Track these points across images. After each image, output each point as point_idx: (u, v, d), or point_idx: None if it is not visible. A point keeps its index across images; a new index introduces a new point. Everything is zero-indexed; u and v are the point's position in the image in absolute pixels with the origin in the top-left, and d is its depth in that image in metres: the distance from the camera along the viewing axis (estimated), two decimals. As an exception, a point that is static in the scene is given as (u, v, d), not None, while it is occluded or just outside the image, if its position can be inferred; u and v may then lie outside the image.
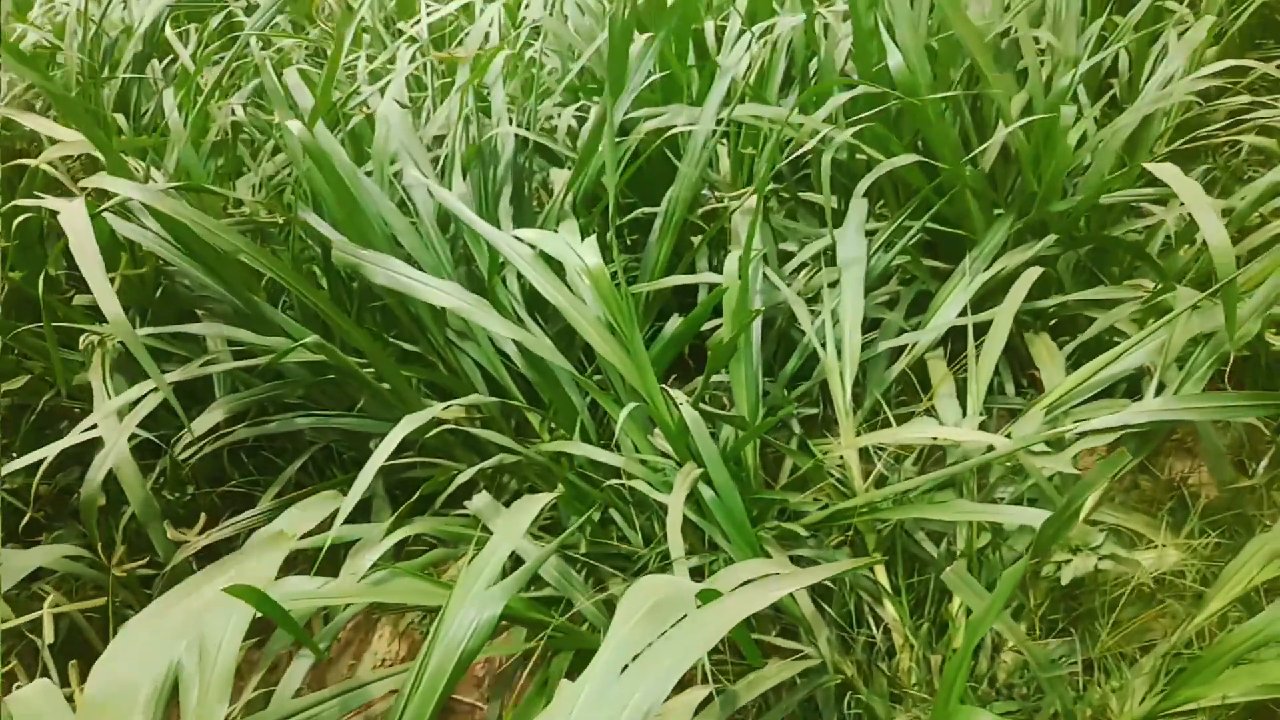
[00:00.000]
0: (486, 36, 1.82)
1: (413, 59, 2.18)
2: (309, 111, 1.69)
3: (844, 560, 1.24)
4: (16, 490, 1.55)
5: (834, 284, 1.48)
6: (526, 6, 2.17)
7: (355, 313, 1.62)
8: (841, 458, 1.32)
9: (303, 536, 1.46)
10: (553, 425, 1.52)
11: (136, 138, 1.81)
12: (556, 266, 1.40)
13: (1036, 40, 1.91)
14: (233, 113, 1.77)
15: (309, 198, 1.61)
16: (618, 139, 1.60)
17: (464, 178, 1.59)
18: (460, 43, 2.26)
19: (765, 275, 1.50)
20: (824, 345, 1.41)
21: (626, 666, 0.71)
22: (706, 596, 0.81)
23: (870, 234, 1.69)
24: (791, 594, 1.18)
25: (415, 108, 2.03)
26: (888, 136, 1.61)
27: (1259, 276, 1.52)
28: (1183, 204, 1.38)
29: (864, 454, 1.34)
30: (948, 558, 1.24)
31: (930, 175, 1.63)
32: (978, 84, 1.85)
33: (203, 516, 1.42)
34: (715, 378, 1.41)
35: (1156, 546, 1.23)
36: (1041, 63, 1.76)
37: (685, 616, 0.78)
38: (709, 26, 1.92)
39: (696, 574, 1.28)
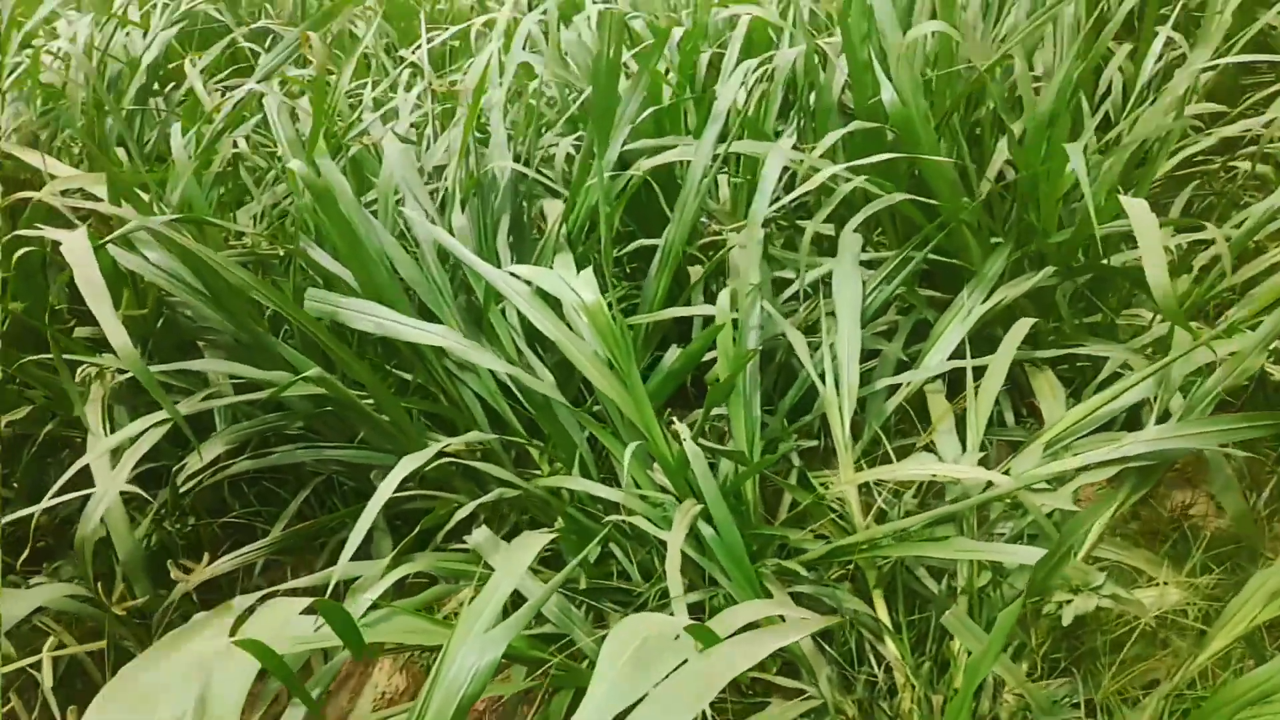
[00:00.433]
0: (486, 68, 1.83)
1: (410, 85, 2.20)
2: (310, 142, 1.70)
3: (845, 596, 1.23)
4: (17, 520, 1.55)
5: (831, 313, 1.49)
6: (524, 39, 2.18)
7: (356, 343, 1.63)
8: (841, 492, 1.32)
9: (303, 574, 1.47)
10: (552, 458, 1.52)
11: (138, 170, 1.82)
12: (554, 301, 1.41)
13: (1031, 67, 1.93)
14: (235, 145, 1.78)
15: (310, 229, 1.61)
16: (613, 173, 1.61)
17: (463, 210, 1.60)
18: (464, 69, 2.28)
19: (763, 306, 1.50)
20: (822, 379, 1.41)
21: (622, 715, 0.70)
22: (698, 634, 0.80)
23: (868, 264, 1.70)
24: (791, 630, 1.17)
25: (417, 132, 2.05)
26: (881, 179, 1.62)
27: (1261, 301, 1.53)
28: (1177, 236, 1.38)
29: (864, 488, 1.34)
30: (949, 594, 1.24)
31: (927, 208, 1.64)
32: (974, 110, 1.86)
33: (206, 556, 1.42)
34: (715, 410, 1.41)
35: (1158, 584, 1.23)
36: (1037, 91, 1.77)
37: (685, 662, 0.78)
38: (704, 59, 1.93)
39: (696, 610, 1.28)
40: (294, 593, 1.33)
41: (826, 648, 1.20)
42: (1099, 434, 1.35)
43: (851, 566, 1.30)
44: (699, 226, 1.75)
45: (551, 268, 1.45)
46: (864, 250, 1.66)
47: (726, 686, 1.18)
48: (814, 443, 1.53)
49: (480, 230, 1.65)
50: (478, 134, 1.75)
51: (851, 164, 1.49)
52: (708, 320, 1.63)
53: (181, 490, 1.55)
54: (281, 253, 1.62)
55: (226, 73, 2.46)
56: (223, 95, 1.89)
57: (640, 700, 0.72)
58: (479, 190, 1.65)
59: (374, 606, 1.17)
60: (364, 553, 1.56)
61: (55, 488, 1.33)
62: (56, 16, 2.26)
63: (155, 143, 2.07)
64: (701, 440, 1.28)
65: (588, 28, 2.08)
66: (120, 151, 1.88)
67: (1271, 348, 1.31)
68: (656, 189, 1.70)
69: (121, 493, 1.42)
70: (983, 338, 1.58)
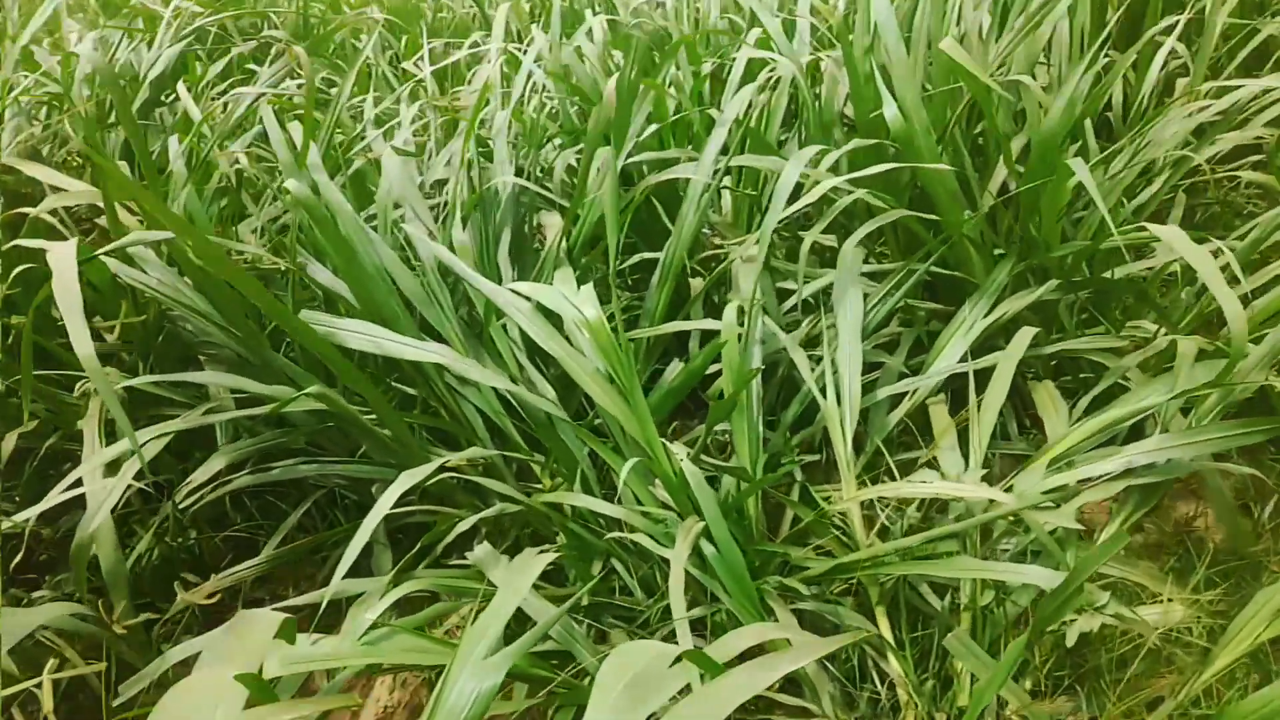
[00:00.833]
0: (488, 82, 1.83)
1: (415, 96, 2.20)
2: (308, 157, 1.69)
3: (848, 613, 1.23)
4: (19, 532, 1.55)
5: (832, 325, 1.48)
6: (528, 50, 2.18)
7: (358, 357, 1.62)
8: (843, 507, 1.32)
9: (302, 592, 1.47)
10: (554, 473, 1.52)
11: (136, 183, 1.82)
12: (556, 316, 1.41)
13: (1034, 77, 1.92)
14: (236, 161, 1.78)
15: (310, 245, 1.61)
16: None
17: (464, 227, 1.60)
18: (469, 80, 2.28)
19: (765, 322, 1.49)
20: (824, 393, 1.41)
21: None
22: (695, 659, 0.80)
23: (871, 276, 1.69)
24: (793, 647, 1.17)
25: (419, 144, 2.05)
26: (883, 193, 1.61)
27: (1263, 314, 1.52)
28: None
29: (866, 502, 1.34)
30: (952, 611, 1.23)
31: (930, 221, 1.63)
32: (977, 122, 1.85)
33: (214, 576, 1.42)
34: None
35: (1162, 600, 1.22)
36: (1040, 104, 1.76)
37: (688, 689, 0.78)
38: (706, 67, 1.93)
39: (698, 624, 1.27)
40: (295, 610, 1.33)
41: (829, 665, 1.19)
42: (1103, 449, 1.35)
43: (854, 582, 1.29)
44: (701, 238, 1.74)
45: (552, 282, 1.45)
46: (866, 261, 1.66)
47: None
48: (816, 456, 1.53)
49: (481, 244, 1.65)
50: (478, 148, 1.74)
51: (852, 176, 1.49)
52: (707, 334, 1.63)
53: (182, 505, 1.55)
54: (282, 267, 1.62)
55: (227, 83, 2.47)
56: (224, 109, 1.89)
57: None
58: (480, 204, 1.65)
59: (374, 625, 1.17)
60: (365, 567, 1.57)
61: (47, 498, 1.32)
62: (57, 27, 2.27)
63: (159, 156, 2.08)
64: (704, 457, 1.27)
65: (589, 40, 2.08)
66: (125, 165, 1.89)
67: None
68: (657, 203, 1.70)
69: (123, 506, 1.42)
70: (985, 349, 1.58)
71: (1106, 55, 1.94)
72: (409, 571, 1.35)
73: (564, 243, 1.61)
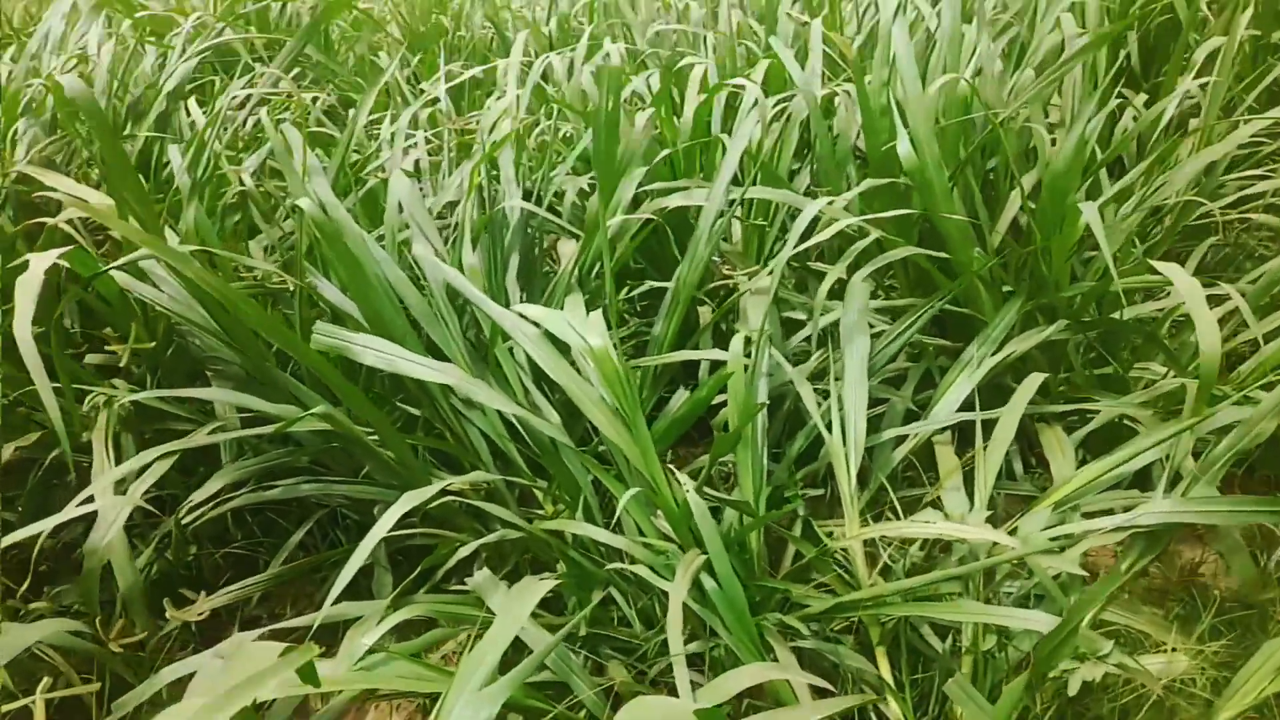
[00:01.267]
0: (504, 111, 1.84)
1: (432, 118, 2.21)
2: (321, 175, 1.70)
3: (848, 653, 1.22)
4: (19, 544, 1.55)
5: (839, 360, 1.48)
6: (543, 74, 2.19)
7: (363, 378, 1.63)
8: (846, 544, 1.31)
9: (301, 611, 1.46)
10: (556, 499, 1.51)
11: (151, 197, 1.83)
12: (562, 341, 1.41)
13: (1046, 114, 1.93)
14: (242, 181, 1.79)
15: (320, 263, 1.62)
16: (625, 216, 1.62)
17: (473, 249, 1.60)
18: (486, 105, 2.29)
19: (771, 354, 1.49)
20: (829, 428, 1.40)
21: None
22: (707, 717, 0.79)
23: (879, 310, 1.69)
24: (792, 688, 1.16)
25: (432, 164, 2.06)
26: (893, 229, 1.61)
27: (1272, 360, 1.51)
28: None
29: (869, 540, 1.33)
30: (953, 654, 1.22)
31: (939, 259, 1.63)
32: (989, 158, 1.86)
33: (202, 594, 1.41)
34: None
35: (1166, 650, 1.21)
36: (1053, 142, 1.77)
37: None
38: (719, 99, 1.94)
39: (695, 659, 1.26)
40: (290, 632, 1.33)
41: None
42: (1109, 493, 1.34)
43: (855, 620, 1.28)
44: (711, 268, 1.75)
45: (562, 307, 1.45)
46: (874, 296, 1.66)
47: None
48: (820, 491, 1.52)
49: (490, 267, 1.65)
50: (489, 170, 1.75)
51: (868, 218, 1.49)
52: (715, 364, 1.63)
53: (184, 520, 1.55)
54: (291, 286, 1.63)
55: (244, 95, 2.48)
56: (242, 124, 1.91)
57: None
58: (490, 227, 1.65)
59: (371, 649, 1.16)
60: (365, 589, 1.56)
61: (64, 512, 1.33)
62: (67, 36, 2.29)
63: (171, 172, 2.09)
64: (707, 490, 1.27)
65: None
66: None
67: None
68: (668, 231, 1.70)
69: (126, 523, 1.41)
70: (993, 386, 1.57)
71: (1119, 96, 1.95)
72: (408, 596, 1.34)
73: (576, 269, 1.62)
